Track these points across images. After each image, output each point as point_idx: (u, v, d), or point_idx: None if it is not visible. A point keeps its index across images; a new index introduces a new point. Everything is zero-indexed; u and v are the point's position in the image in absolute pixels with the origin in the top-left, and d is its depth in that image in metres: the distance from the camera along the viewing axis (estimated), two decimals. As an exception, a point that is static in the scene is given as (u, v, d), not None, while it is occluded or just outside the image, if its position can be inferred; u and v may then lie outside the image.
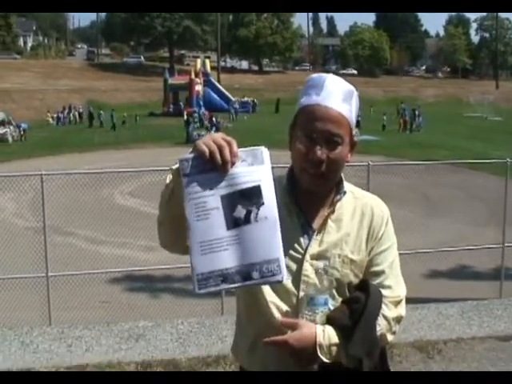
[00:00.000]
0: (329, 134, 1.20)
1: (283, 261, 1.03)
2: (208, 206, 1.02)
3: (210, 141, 1.03)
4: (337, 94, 1.21)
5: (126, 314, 5.47)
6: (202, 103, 31.65)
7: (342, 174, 1.30)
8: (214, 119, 25.53)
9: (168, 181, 1.14)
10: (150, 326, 4.70)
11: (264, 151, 1.04)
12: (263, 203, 1.02)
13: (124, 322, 4.83)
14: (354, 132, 1.25)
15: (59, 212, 6.63)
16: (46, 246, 4.98)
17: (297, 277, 1.23)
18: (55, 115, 31.24)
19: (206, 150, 1.02)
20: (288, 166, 1.30)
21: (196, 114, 26.27)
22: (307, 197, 1.27)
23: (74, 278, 5.60)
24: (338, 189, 1.30)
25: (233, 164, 1.03)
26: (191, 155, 1.03)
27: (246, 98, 38.12)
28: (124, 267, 6.25)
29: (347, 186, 1.32)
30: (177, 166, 1.07)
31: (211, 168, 1.02)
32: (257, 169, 1.03)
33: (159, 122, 29.11)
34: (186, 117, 25.12)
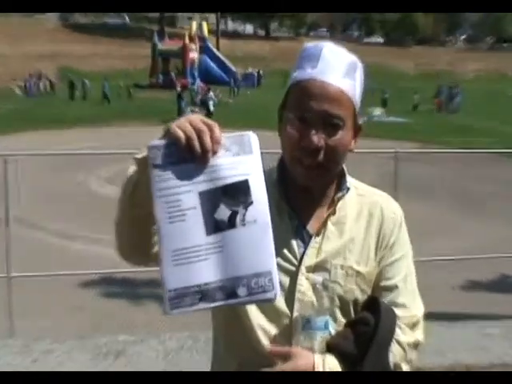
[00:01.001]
0: (327, 115, 1.17)
1: (276, 274, 1.01)
2: (183, 206, 1.01)
3: (186, 124, 1.02)
4: (337, 67, 1.19)
5: (104, 325, 5.47)
6: (197, 74, 31.67)
7: (345, 166, 1.28)
8: (211, 93, 25.55)
9: (131, 172, 1.12)
10: (132, 340, 4.69)
11: (252, 137, 1.03)
12: (252, 202, 1.02)
13: (101, 334, 4.83)
14: (358, 113, 1.24)
15: (26, 200, 6.62)
16: (8, 241, 4.95)
17: (290, 294, 1.22)
18: (22, 84, 31.31)
19: (182, 136, 1.00)
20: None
21: (195, 87, 26.26)
22: (302, 194, 1.27)
23: (42, 279, 5.57)
24: (339, 184, 1.29)
25: (214, 153, 1.01)
26: (163, 141, 1.02)
27: (249, 69, 38.15)
28: (101, 268, 6.11)
29: (350, 180, 1.31)
30: (144, 153, 1.05)
31: (188, 158, 1.01)
32: (244, 159, 1.02)
33: (145, 96, 29.20)
34: (179, 89, 25.14)
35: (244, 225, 1.01)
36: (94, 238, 7.71)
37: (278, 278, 1.01)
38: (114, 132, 17.55)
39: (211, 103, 23.60)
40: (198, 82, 28.96)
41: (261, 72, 38.13)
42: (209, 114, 21.43)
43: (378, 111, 24.65)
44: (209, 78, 31.64)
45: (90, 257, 6.88)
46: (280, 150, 1.25)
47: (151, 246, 1.15)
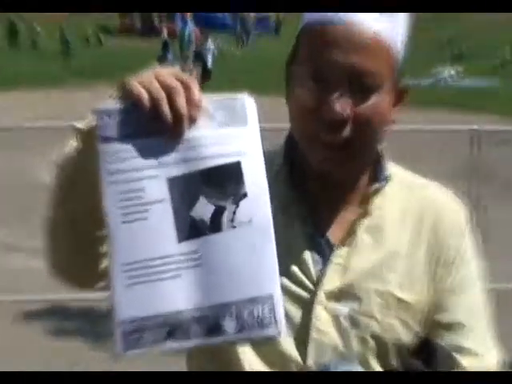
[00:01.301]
0: (355, 71, 1.16)
1: (281, 301, 1.01)
2: (145, 198, 1.01)
3: (151, 79, 1.01)
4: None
5: (54, 363, 5.46)
6: (189, 15, 31.57)
7: (383, 147, 1.30)
8: (209, 42, 25.45)
9: (70, 150, 1.12)
10: None
11: (248, 102, 1.04)
12: (245, 194, 1.02)
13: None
14: (400, 69, 1.23)
15: None
16: None
17: (301, 331, 1.22)
18: None
19: (145, 97, 1.00)
20: None
21: (185, 33, 26.18)
22: (319, 186, 1.28)
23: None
24: (374, 172, 1.30)
25: (192, 123, 1.01)
26: (117, 105, 1.02)
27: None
28: (50, 293, 6.00)
29: (392, 167, 1.32)
30: (89, 122, 1.06)
31: (153, 129, 1.01)
32: (235, 133, 1.03)
33: (116, 44, 29.09)
34: (164, 37, 25.10)
35: (234, 227, 1.01)
36: (39, 248, 7.55)
37: (283, 306, 1.01)
38: (71, 97, 17.55)
39: (209, 57, 23.53)
40: (191, 27, 28.86)
41: (280, 16, 37.84)
42: (206, 72, 21.41)
43: (448, 71, 24.51)
44: (206, 21, 31.55)
45: (34, 276, 6.66)
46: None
47: (99, 259, 1.16)
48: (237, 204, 1.02)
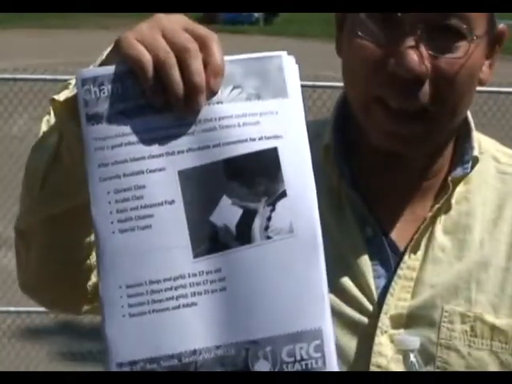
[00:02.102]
0: (438, 14, 1.03)
1: (332, 335, 0.91)
2: (148, 199, 0.91)
3: (156, 36, 0.88)
4: None
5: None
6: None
7: (470, 115, 1.16)
8: None
9: (46, 130, 1.03)
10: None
11: (287, 63, 0.93)
12: (284, 194, 0.92)
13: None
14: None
15: None
16: None
17: (358, 369, 1.12)
18: None
19: (147, 58, 0.87)
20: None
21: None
22: (381, 172, 1.15)
23: None
24: (457, 152, 1.16)
25: (211, 95, 0.89)
26: (110, 69, 0.90)
27: None
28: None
29: (483, 142, 1.18)
30: (71, 92, 0.96)
31: (158, 104, 0.89)
32: (270, 108, 0.92)
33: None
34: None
35: (269, 238, 0.90)
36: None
37: (334, 342, 0.91)
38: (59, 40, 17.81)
39: None
40: None
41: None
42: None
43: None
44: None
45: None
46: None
47: (88, 274, 1.08)
48: (273, 206, 0.91)
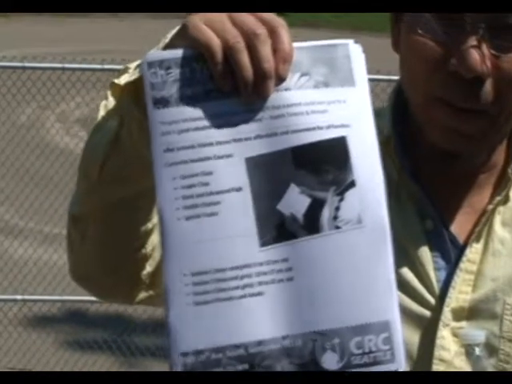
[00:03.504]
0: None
1: (400, 327, 0.91)
2: (215, 185, 0.90)
3: (226, 21, 0.89)
4: None
5: None
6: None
7: None
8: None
9: (107, 115, 1.02)
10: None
11: (354, 50, 0.93)
12: (353, 183, 0.91)
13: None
14: None
15: None
16: None
17: (420, 364, 1.13)
18: None
19: (217, 43, 0.87)
20: None
21: None
22: (440, 165, 1.16)
23: None
24: None
25: (280, 82, 0.88)
26: (177, 52, 0.90)
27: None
28: (60, 292, 5.98)
29: None
30: (135, 75, 0.96)
31: (226, 88, 0.89)
32: (338, 96, 0.92)
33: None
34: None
35: (337, 228, 0.90)
36: (49, 232, 7.18)
37: (402, 335, 0.91)
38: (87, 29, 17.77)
39: None
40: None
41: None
42: None
43: None
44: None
45: (41, 269, 6.50)
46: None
47: (143, 263, 1.08)
48: (341, 196, 0.90)
